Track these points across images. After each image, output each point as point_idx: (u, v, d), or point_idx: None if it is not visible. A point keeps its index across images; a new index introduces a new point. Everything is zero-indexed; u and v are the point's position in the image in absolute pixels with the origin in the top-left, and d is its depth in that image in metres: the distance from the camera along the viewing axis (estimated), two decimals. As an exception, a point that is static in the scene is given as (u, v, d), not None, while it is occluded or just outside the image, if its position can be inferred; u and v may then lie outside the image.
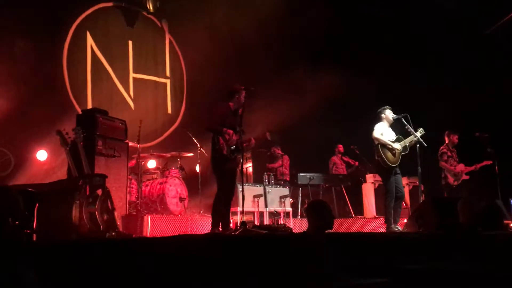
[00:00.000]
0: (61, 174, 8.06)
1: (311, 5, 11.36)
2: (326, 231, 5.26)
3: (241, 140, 6.53)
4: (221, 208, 6.54)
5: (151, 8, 11.15)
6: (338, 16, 11.66)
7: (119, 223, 6.12)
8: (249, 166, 10.97)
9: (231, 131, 6.50)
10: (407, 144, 7.65)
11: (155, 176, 9.22)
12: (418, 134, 7.67)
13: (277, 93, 11.33)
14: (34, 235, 4.63)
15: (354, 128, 10.76)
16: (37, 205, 4.79)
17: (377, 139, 7.61)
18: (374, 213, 10.18)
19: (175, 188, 8.71)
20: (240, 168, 6.65)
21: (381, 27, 11.55)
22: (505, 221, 7.57)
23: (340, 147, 11.82)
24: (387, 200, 7.50)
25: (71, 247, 3.44)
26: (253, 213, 8.74)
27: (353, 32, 11.74)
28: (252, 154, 11.00)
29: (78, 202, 5.19)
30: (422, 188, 8.60)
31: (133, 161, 8.58)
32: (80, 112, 7.89)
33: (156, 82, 11.64)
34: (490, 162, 9.48)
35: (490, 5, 9.98)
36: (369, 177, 10.64)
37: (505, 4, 9.34)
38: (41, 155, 8.79)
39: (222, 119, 6.61)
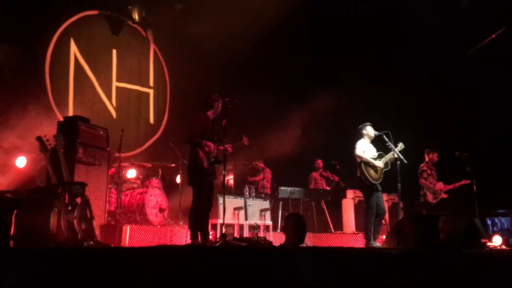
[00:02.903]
0: (40, 181, 7.97)
1: (295, 21, 11.45)
2: (300, 245, 5.28)
3: (220, 150, 6.49)
4: (199, 219, 6.48)
5: (136, 17, 11.15)
6: (323, 31, 11.79)
7: (97, 232, 6.05)
8: (230, 178, 10.95)
9: (211, 144, 6.47)
10: (388, 160, 7.71)
11: (135, 186, 9.15)
12: (398, 148, 7.74)
13: (260, 106, 11.38)
14: (12, 242, 4.56)
15: (336, 142, 10.85)
16: (15, 211, 4.72)
17: (359, 157, 7.64)
18: (354, 229, 10.22)
19: (155, 198, 8.65)
20: (222, 180, 6.64)
21: (364, 43, 11.68)
22: (483, 240, 7.66)
23: (319, 162, 11.87)
24: (368, 216, 7.53)
25: (48, 255, 3.39)
26: (233, 225, 8.72)
27: (336, 47, 11.85)
28: (234, 166, 11.00)
29: (56, 210, 5.11)
30: (401, 205, 8.66)
31: (113, 169, 8.51)
32: (62, 119, 7.81)
33: (139, 91, 11.61)
34: (468, 182, 9.58)
35: (474, 26, 10.16)
36: (349, 193, 10.69)
37: (487, 25, 9.52)
38: (20, 161, 8.65)
39: (202, 131, 6.56)
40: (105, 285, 3.22)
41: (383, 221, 9.46)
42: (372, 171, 7.59)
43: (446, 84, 11.09)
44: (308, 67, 12.21)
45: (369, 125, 7.91)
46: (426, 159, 9.65)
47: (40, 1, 9.47)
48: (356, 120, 8.27)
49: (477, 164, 9.56)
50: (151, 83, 11.86)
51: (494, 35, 8.51)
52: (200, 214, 6.49)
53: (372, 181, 7.52)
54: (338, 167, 11.62)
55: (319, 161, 11.88)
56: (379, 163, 7.64)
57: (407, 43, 11.35)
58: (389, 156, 7.70)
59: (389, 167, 7.71)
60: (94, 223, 5.74)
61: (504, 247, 8.82)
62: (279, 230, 9.64)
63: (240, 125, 9.12)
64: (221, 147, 6.52)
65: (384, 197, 9.79)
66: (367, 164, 7.60)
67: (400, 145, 7.80)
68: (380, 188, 7.68)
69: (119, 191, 8.42)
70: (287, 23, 11.26)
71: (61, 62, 10.11)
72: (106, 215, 7.61)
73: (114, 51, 11.13)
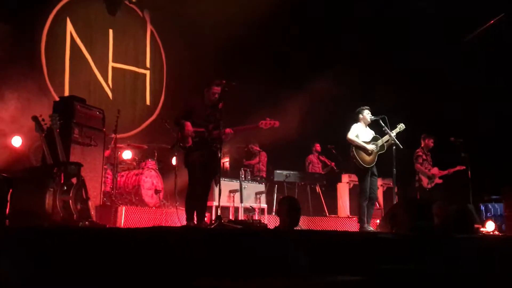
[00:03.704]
0: (36, 161, 7.95)
1: (293, 7, 11.39)
2: (294, 228, 5.32)
3: (217, 132, 6.35)
4: (193, 201, 6.45)
5: (133, -3, 11.10)
6: (320, 17, 11.73)
7: (93, 213, 6.06)
8: (226, 161, 10.95)
9: (188, 123, 6.34)
10: (384, 143, 7.69)
11: (131, 167, 9.14)
12: (398, 129, 7.72)
13: (257, 88, 11.34)
14: (7, 221, 4.57)
15: (332, 126, 10.84)
16: (10, 191, 4.73)
17: (351, 140, 7.65)
18: (348, 213, 10.27)
19: (150, 180, 8.65)
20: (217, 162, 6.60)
21: (362, 29, 11.64)
22: (476, 225, 7.71)
23: (317, 146, 11.89)
24: (361, 199, 7.56)
25: (43, 235, 3.40)
26: (228, 208, 8.75)
27: (332, 32, 11.80)
28: (229, 149, 10.99)
29: (52, 190, 5.13)
30: (396, 190, 8.69)
31: (108, 151, 8.50)
32: (57, 99, 7.77)
33: (135, 72, 11.54)
34: (463, 167, 9.62)
35: (471, 12, 10.12)
36: (344, 177, 10.72)
37: (484, 12, 9.47)
38: (16, 141, 8.62)
39: (188, 113, 6.51)
40: (100, 265, 3.24)
41: (378, 205, 9.55)
42: (364, 155, 7.59)
43: (442, 70, 11.06)
44: (307, 49, 12.15)
45: (366, 109, 7.88)
46: (422, 145, 9.67)
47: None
48: (354, 104, 8.25)
49: (472, 150, 9.58)
50: (148, 64, 11.79)
51: (492, 21, 8.47)
52: (192, 195, 6.44)
53: (364, 164, 7.53)
54: (334, 151, 11.64)
55: (317, 145, 11.90)
56: (371, 146, 7.63)
57: (406, 29, 11.31)
58: (385, 138, 7.69)
59: (384, 150, 7.70)
60: (90, 203, 5.77)
61: (497, 233, 8.90)
62: (274, 213, 9.68)
63: (236, 107, 9.09)
64: (223, 131, 6.41)
65: (379, 181, 9.84)
66: (359, 148, 7.61)
67: (400, 126, 7.77)
68: (376, 173, 7.69)
69: (114, 172, 8.41)
70: (286, 5, 11.20)
71: (57, 42, 10.03)
72: (102, 195, 7.61)
73: (111, 31, 11.03)
